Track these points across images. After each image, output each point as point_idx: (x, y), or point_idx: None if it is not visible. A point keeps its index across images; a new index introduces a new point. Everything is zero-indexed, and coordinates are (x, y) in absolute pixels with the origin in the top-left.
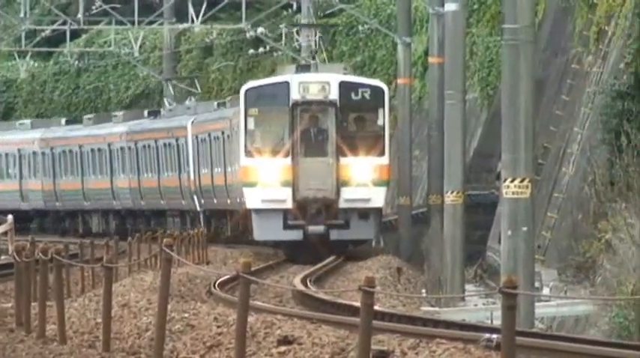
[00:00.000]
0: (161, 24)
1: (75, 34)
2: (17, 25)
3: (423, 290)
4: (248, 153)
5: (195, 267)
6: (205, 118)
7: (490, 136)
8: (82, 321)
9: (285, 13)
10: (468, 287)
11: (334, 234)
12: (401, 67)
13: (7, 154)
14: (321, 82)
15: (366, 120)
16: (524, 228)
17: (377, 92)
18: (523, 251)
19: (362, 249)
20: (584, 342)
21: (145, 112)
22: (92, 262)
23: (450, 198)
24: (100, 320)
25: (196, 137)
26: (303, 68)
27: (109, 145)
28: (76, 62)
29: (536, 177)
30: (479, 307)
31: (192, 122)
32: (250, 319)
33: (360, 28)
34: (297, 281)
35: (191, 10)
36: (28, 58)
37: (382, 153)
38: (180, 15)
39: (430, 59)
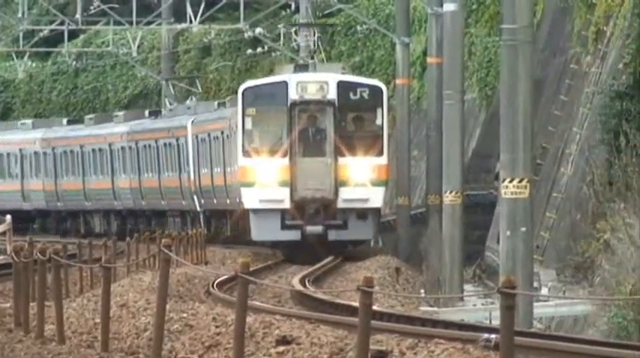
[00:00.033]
0: (159, 24)
1: (73, 35)
2: (15, 25)
3: (422, 291)
4: (246, 153)
5: (194, 267)
6: (205, 118)
7: (489, 136)
8: (80, 321)
9: (283, 13)
10: (467, 287)
11: (332, 235)
12: (399, 67)
13: (8, 154)
14: (320, 82)
15: (364, 120)
16: (523, 228)
17: (375, 92)
18: (522, 251)
19: (360, 249)
20: (582, 342)
21: (146, 112)
22: (90, 262)
23: (448, 198)
24: (98, 320)
25: (196, 137)
26: (301, 68)
27: (109, 145)
28: (74, 62)
29: (535, 178)
30: (477, 307)
31: (193, 122)
32: (249, 319)
33: (359, 28)
34: (295, 282)
35: (189, 11)
36: (26, 58)
37: (381, 153)
38: (179, 15)
39: (429, 59)
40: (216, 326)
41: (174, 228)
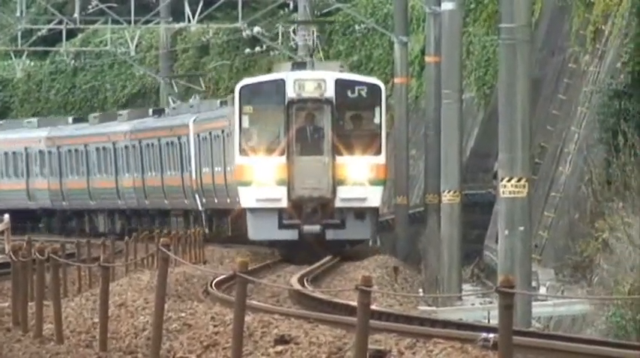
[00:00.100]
0: (157, 23)
1: (71, 34)
2: (13, 24)
3: (420, 290)
4: (243, 152)
5: (192, 266)
6: (207, 117)
7: (487, 135)
8: (79, 321)
9: (281, 12)
10: (465, 286)
11: (330, 234)
12: (397, 66)
13: (14, 153)
14: (317, 80)
15: (362, 119)
16: (521, 228)
17: (373, 90)
18: (520, 250)
19: (359, 249)
20: (581, 342)
21: (150, 111)
22: (89, 261)
23: (446, 197)
24: (97, 319)
25: (198, 135)
26: (299, 65)
27: (113, 144)
28: (73, 61)
29: (533, 177)
30: (476, 306)
31: (194, 120)
32: (247, 318)
33: (357, 27)
34: (294, 281)
35: (187, 10)
36: (24, 57)
37: (379, 152)
38: (177, 14)
39: (427, 58)
40: (215, 326)
41: (177, 228)
